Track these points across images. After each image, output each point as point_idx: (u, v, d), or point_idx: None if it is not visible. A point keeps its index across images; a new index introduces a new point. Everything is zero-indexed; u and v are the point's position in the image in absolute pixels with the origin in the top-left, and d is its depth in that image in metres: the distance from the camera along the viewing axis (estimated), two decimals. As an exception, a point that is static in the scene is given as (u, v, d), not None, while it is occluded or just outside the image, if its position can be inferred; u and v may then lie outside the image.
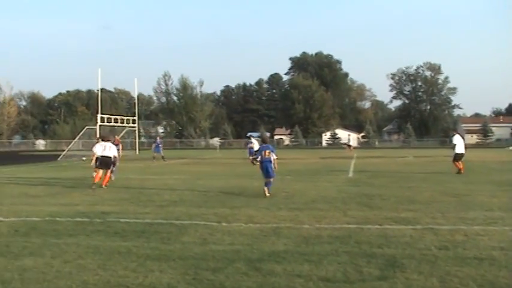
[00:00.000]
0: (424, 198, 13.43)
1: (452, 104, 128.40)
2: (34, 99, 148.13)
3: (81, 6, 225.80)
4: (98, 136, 28.40)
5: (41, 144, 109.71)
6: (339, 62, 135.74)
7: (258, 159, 14.96)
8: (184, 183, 18.62)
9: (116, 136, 28.97)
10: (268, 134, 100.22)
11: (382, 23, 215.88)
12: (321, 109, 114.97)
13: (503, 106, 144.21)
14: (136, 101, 65.83)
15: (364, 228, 9.13)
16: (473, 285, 5.76)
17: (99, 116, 45.94)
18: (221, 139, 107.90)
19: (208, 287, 5.84)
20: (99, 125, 44.70)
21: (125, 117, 53.24)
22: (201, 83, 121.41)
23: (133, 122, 54.24)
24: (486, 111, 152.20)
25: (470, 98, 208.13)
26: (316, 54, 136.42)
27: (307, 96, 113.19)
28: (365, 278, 6.04)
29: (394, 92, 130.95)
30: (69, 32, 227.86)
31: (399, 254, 7.20)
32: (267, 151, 14.67)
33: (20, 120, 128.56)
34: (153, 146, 40.71)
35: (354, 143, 78.98)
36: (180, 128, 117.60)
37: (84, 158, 35.78)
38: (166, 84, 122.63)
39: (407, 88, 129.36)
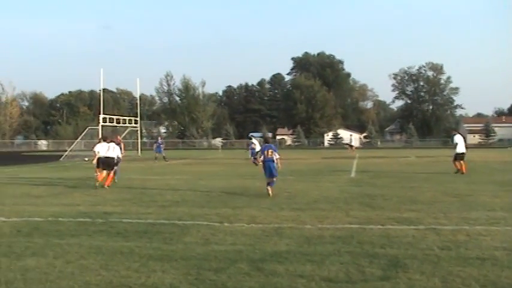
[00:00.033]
0: (426, 199, 13.41)
1: (455, 104, 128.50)
2: (36, 100, 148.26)
3: (83, 7, 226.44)
4: (100, 137, 28.41)
5: (43, 144, 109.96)
6: (341, 62, 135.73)
7: (261, 159, 14.96)
8: (186, 184, 18.62)
9: (118, 136, 28.98)
10: (270, 134, 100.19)
11: (384, 23, 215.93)
12: (323, 109, 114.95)
13: (505, 106, 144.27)
14: (138, 101, 65.77)
15: (366, 229, 9.12)
16: (476, 286, 5.75)
17: (101, 116, 45.94)
18: (223, 139, 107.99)
19: (210, 287, 5.84)
20: (101, 126, 44.71)
21: (127, 118, 53.24)
22: (203, 83, 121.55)
23: (136, 122, 54.23)
24: (488, 111, 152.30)
25: (472, 98, 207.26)
26: (318, 54, 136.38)
27: (309, 97, 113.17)
28: (367, 278, 6.04)
29: (396, 92, 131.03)
30: (71, 32, 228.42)
31: (401, 254, 7.20)
32: (270, 150, 14.67)
33: (22, 120, 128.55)
34: (155, 146, 40.82)
35: (355, 143, 78.84)
36: (182, 128, 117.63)
37: (86, 159, 35.78)
38: (169, 85, 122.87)
39: (409, 88, 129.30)
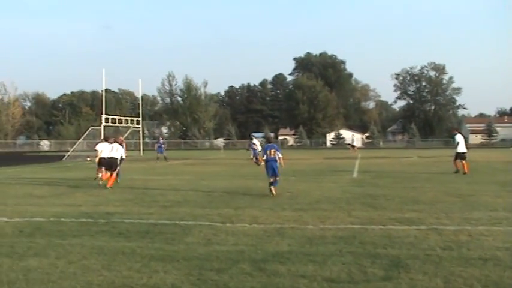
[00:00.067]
0: (428, 199, 13.40)
1: (457, 104, 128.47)
2: (38, 100, 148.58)
3: (85, 7, 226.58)
4: (102, 137, 28.45)
5: (45, 145, 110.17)
6: (343, 62, 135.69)
7: (264, 159, 14.97)
8: (188, 184, 18.63)
9: (120, 136, 28.99)
10: (272, 135, 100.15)
11: (386, 23, 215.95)
12: (325, 109, 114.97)
13: (507, 106, 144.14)
14: (140, 102, 65.90)
15: (368, 229, 9.11)
16: (478, 286, 5.74)
17: (103, 116, 46.02)
18: (225, 140, 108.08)
19: (212, 287, 5.84)
20: (104, 126, 44.78)
21: (129, 118, 53.31)
22: (205, 84, 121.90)
23: (138, 122, 54.29)
24: (491, 111, 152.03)
25: (474, 98, 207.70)
26: (320, 54, 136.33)
27: (311, 97, 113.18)
28: (369, 279, 6.03)
29: (399, 92, 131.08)
30: (74, 32, 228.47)
31: (403, 254, 7.19)
32: (272, 150, 14.69)
33: (25, 121, 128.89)
34: (156, 146, 40.96)
35: (357, 143, 78.93)
36: (185, 129, 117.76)
37: (88, 159, 35.83)
38: (171, 85, 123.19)
39: (411, 88, 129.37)
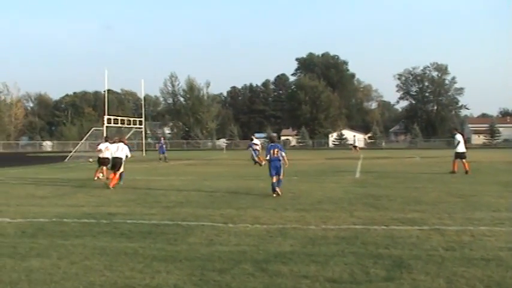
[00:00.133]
0: (430, 199, 13.39)
1: (459, 104, 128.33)
2: (41, 101, 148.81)
3: (88, 7, 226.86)
4: (104, 136, 28.48)
5: (48, 145, 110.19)
6: (345, 62, 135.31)
7: (267, 158, 14.98)
8: (190, 184, 18.63)
9: (123, 137, 29.00)
10: (275, 135, 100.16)
11: (389, 24, 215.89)
12: (327, 110, 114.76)
13: (510, 106, 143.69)
14: (143, 102, 65.93)
15: (370, 229, 9.11)
16: (480, 286, 5.73)
17: (106, 117, 46.08)
18: (228, 140, 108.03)
19: (214, 287, 5.85)
20: (106, 126, 44.83)
21: (132, 119, 53.39)
22: (208, 84, 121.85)
23: (140, 123, 54.36)
24: (493, 111, 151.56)
25: (477, 99, 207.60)
26: (322, 55, 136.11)
27: (313, 97, 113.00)
28: (372, 279, 6.03)
29: (401, 92, 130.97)
30: (76, 33, 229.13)
31: (406, 254, 7.19)
32: (276, 149, 14.71)
33: (27, 121, 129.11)
34: (158, 146, 41.14)
35: (359, 143, 78.89)
36: (187, 129, 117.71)
37: (91, 159, 35.84)
38: (173, 85, 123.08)
39: (414, 89, 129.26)
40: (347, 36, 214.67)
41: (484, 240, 8.12)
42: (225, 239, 8.43)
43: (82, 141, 50.14)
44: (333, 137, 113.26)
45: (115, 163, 18.07)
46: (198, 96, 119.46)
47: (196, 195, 14.95)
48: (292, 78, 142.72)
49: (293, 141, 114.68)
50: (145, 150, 57.92)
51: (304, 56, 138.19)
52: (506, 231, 8.93)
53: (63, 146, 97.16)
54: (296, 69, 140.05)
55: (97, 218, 10.76)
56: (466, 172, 21.65)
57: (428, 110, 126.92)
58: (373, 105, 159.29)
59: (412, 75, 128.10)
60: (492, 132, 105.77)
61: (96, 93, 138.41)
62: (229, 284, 5.92)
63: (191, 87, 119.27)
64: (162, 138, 46.78)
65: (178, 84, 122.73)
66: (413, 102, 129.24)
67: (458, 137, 23.17)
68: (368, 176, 22.10)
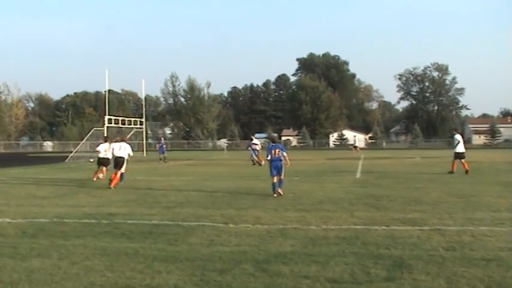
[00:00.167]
0: (431, 199, 13.39)
1: (460, 104, 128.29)
2: (42, 101, 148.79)
3: (88, 8, 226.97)
4: (105, 136, 28.48)
5: (48, 145, 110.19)
6: (346, 62, 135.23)
7: (268, 159, 14.99)
8: (191, 185, 18.64)
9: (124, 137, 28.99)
10: (276, 135, 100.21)
11: (389, 24, 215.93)
12: (328, 110, 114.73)
13: (511, 106, 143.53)
14: (143, 103, 65.95)
15: (371, 229, 9.11)
16: (481, 286, 5.74)
17: (106, 117, 46.04)
18: (228, 140, 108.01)
19: (215, 288, 5.86)
20: (107, 127, 44.82)
21: (133, 119, 53.37)
22: (208, 84, 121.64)
23: (141, 123, 54.34)
24: (494, 111, 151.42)
25: (477, 99, 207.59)
26: (323, 55, 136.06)
27: (314, 97, 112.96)
28: (372, 279, 6.03)
29: (402, 92, 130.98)
30: (77, 33, 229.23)
31: (406, 255, 7.19)
32: (277, 150, 14.73)
33: (28, 122, 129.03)
34: (158, 147, 41.20)
35: (360, 144, 78.88)
36: (188, 129, 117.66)
37: (91, 160, 35.81)
38: (174, 86, 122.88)
39: (414, 89, 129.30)
40: (347, 36, 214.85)
41: (485, 240, 8.12)
42: (226, 239, 8.43)
43: (83, 142, 50.08)
44: (333, 137, 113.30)
45: (117, 162, 18.16)
46: (199, 96, 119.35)
47: (197, 196, 14.95)
48: (292, 79, 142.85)
49: (294, 141, 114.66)
50: (146, 151, 57.91)
51: (305, 56, 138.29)
52: (506, 231, 8.93)
53: (63, 146, 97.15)
54: (297, 70, 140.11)
55: (98, 218, 10.76)
56: (466, 172, 21.66)
57: (429, 110, 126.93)
58: (374, 105, 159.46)
59: (412, 75, 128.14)
60: (493, 133, 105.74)
61: (97, 93, 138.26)
62: (230, 284, 5.92)
63: (192, 88, 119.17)
64: (162, 139, 46.82)
65: (178, 85, 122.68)
66: (414, 102, 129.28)
67: (458, 137, 23.23)
68: (369, 176, 22.10)
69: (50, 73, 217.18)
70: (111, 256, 7.32)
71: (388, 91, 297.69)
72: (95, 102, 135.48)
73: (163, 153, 39.81)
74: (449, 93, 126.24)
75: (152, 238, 8.60)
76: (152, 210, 11.94)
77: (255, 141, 33.09)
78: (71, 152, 48.12)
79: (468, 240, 8.14)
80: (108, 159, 20.12)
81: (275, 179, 14.60)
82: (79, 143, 51.26)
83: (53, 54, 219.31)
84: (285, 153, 14.82)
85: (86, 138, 49.80)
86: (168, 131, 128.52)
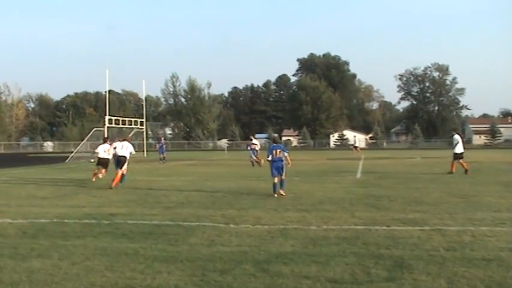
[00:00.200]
0: (431, 199, 13.38)
1: (460, 104, 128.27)
2: (42, 101, 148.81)
3: (89, 8, 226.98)
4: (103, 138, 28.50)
5: (49, 146, 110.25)
6: (346, 63, 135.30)
7: (269, 159, 14.99)
8: (191, 185, 18.64)
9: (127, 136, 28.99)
10: (276, 135, 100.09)
11: (390, 24, 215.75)
12: (328, 110, 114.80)
13: (511, 107, 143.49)
14: (144, 103, 66.03)
15: (371, 230, 9.11)
16: (481, 286, 5.73)
17: (107, 117, 46.10)
18: (229, 140, 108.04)
19: (215, 288, 5.86)
20: (107, 127, 44.86)
21: (133, 119, 53.41)
22: (209, 85, 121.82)
23: (141, 123, 54.39)
24: (494, 111, 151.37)
25: (478, 99, 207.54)
26: (323, 55, 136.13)
27: (314, 98, 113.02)
28: (373, 279, 6.03)
29: (402, 93, 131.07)
30: (77, 33, 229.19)
31: (407, 255, 7.18)
32: (278, 150, 14.73)
33: (28, 122, 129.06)
34: (158, 147, 41.23)
35: (360, 144, 78.86)
36: (188, 130, 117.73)
37: (92, 160, 35.78)
38: (174, 86, 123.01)
39: (415, 89, 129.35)
40: (348, 36, 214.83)
41: (485, 240, 8.12)
42: (226, 240, 8.43)
43: (83, 142, 50.13)
44: (334, 137, 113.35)
45: (120, 161, 18.21)
46: (199, 96, 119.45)
47: (198, 196, 14.95)
48: (293, 79, 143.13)
49: (294, 141, 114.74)
50: (147, 151, 57.92)
51: (305, 56, 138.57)
52: (507, 231, 8.93)
53: (64, 147, 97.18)
54: (297, 70, 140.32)
55: (98, 218, 10.76)
56: (466, 172, 21.65)
57: (430, 110, 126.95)
58: (374, 105, 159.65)
59: (413, 75, 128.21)
60: (493, 133, 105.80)
61: (97, 93, 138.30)
62: (231, 284, 5.92)
63: (192, 88, 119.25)
64: (162, 139, 46.85)
65: (179, 85, 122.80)
66: (415, 102, 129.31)
67: (457, 137, 23.21)
68: (369, 176, 22.09)
69: (50, 73, 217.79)
70: (112, 256, 7.32)
71: (389, 91, 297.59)
72: (96, 102, 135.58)
73: (162, 153, 39.87)
74: (450, 94, 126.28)
75: (153, 238, 8.59)
76: (153, 211, 11.93)
77: (254, 141, 33.15)
78: (71, 152, 48.15)
79: (469, 240, 8.13)
80: (108, 159, 20.13)
81: (276, 180, 14.60)
82: (79, 144, 51.31)
83: (53, 54, 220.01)
84: (286, 154, 14.84)
85: (86, 139, 49.86)
86: (168, 131, 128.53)
